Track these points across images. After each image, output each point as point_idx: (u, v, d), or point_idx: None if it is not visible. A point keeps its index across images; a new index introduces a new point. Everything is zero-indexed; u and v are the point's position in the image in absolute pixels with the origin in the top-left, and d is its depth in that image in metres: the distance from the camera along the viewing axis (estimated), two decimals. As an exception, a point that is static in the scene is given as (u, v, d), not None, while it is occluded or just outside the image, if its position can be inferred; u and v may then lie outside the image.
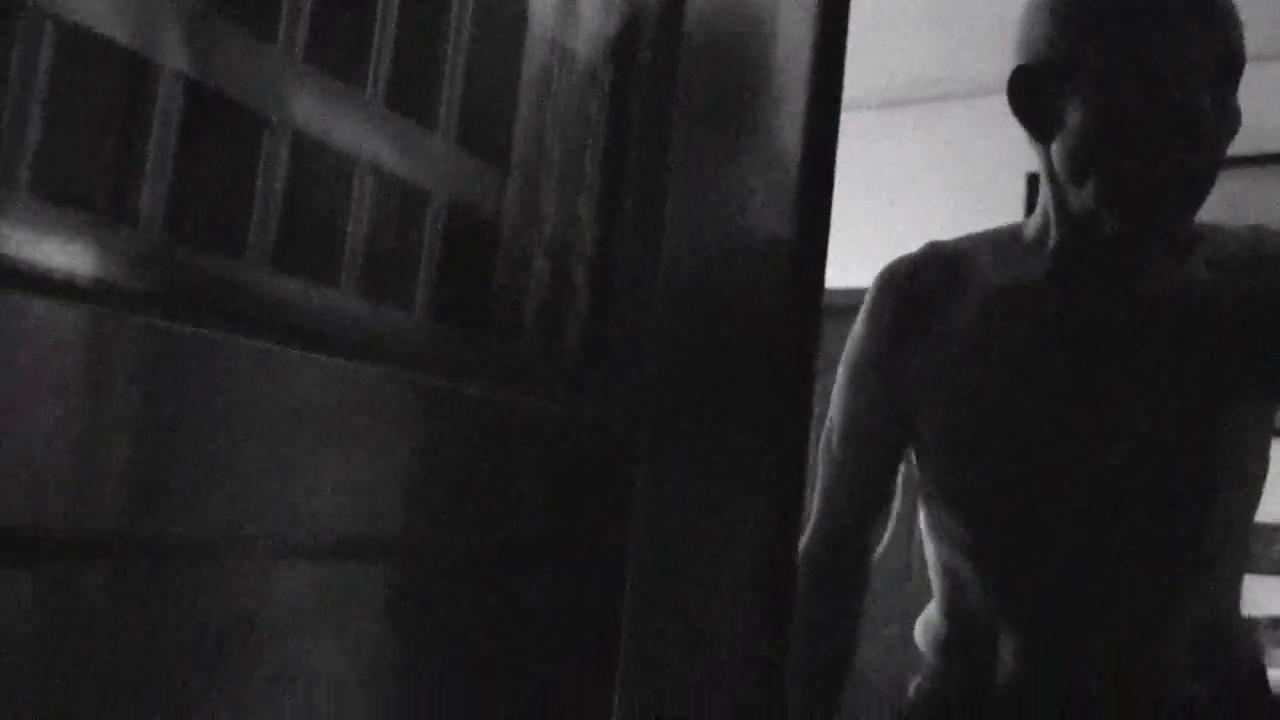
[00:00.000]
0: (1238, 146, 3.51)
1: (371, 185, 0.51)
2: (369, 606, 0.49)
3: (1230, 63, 0.95)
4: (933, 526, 1.17)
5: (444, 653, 0.52)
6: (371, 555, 0.49)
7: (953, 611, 1.15)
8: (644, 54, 0.70)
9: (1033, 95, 1.03)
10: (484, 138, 0.57)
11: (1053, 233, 1.07)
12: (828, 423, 1.22)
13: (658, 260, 0.68)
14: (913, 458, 1.19)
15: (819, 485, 1.22)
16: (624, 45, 0.69)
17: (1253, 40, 3.41)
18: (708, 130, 0.72)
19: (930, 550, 1.18)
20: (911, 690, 1.20)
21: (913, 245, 3.83)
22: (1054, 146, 1.03)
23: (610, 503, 0.65)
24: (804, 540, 1.23)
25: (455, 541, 0.53)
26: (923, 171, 3.89)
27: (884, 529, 1.22)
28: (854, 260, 3.93)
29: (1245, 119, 3.50)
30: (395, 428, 0.49)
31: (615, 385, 0.67)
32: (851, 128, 4.03)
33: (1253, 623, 1.01)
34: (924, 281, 1.13)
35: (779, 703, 0.88)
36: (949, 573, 1.15)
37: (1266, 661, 2.92)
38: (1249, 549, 1.11)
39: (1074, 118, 0.99)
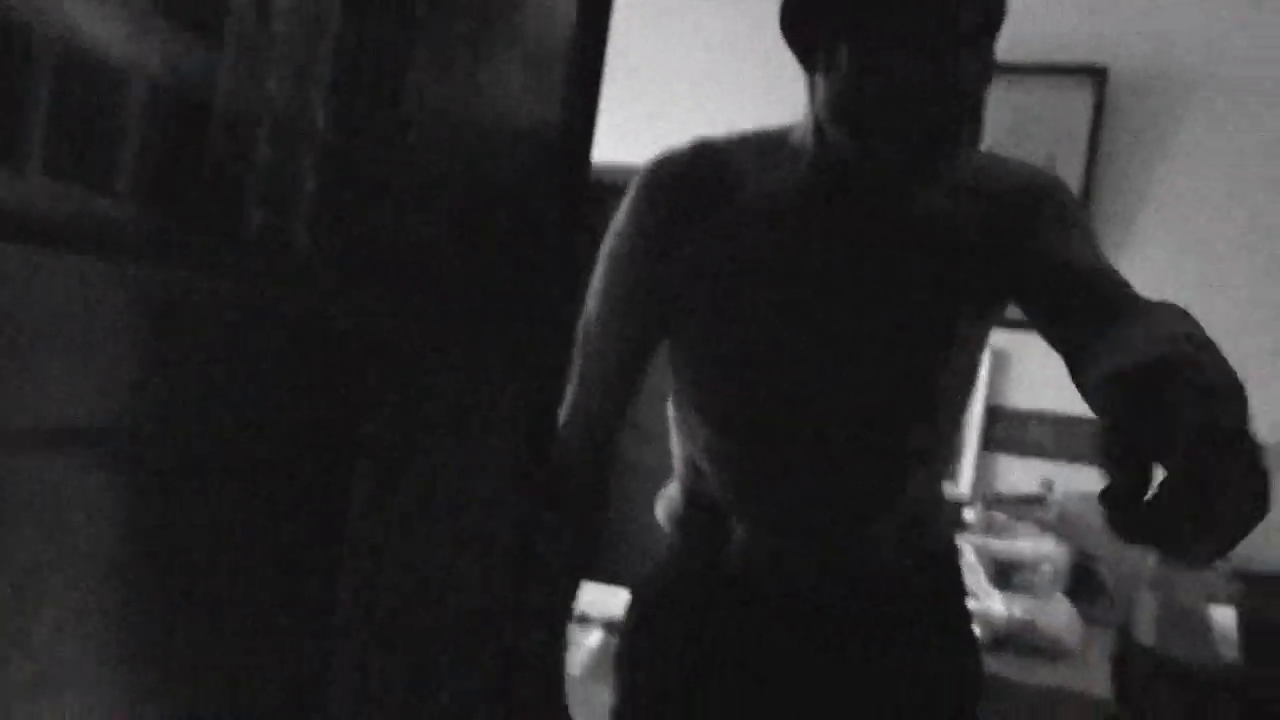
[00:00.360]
0: (1027, 56, 3.65)
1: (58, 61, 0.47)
2: (92, 499, 0.48)
3: (991, 16, 0.97)
4: (679, 420, 1.22)
5: (167, 550, 0.51)
6: (92, 447, 0.47)
7: (691, 497, 1.23)
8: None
9: (804, 25, 1.02)
10: (191, 8, 0.53)
11: (810, 152, 1.09)
12: (585, 308, 1.22)
13: (404, 150, 0.66)
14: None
15: (573, 369, 1.23)
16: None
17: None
18: (462, 28, 0.70)
19: (674, 437, 1.25)
20: (652, 563, 1.27)
21: (686, 128, 3.86)
22: (819, 79, 1.03)
23: (344, 402, 0.64)
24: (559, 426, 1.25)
25: (178, 437, 0.51)
26: (704, 54, 3.90)
27: (624, 416, 1.25)
28: (625, 136, 3.93)
29: (1037, 26, 3.64)
30: (114, 321, 0.47)
31: (355, 278, 0.65)
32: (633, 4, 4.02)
33: (945, 502, 1.18)
34: (690, 179, 1.13)
35: (528, 595, 0.91)
36: (689, 462, 1.22)
37: (958, 539, 3.21)
38: (957, 444, 1.23)
39: (840, 60, 0.99)
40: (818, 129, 1.08)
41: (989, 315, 1.16)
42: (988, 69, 0.98)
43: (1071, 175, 3.57)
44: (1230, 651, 2.87)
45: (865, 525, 1.16)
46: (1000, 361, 3.71)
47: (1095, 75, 3.60)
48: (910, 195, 1.10)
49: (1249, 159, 3.49)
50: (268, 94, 0.59)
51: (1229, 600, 3.04)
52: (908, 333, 1.11)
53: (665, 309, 1.16)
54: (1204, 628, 2.93)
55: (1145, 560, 3.20)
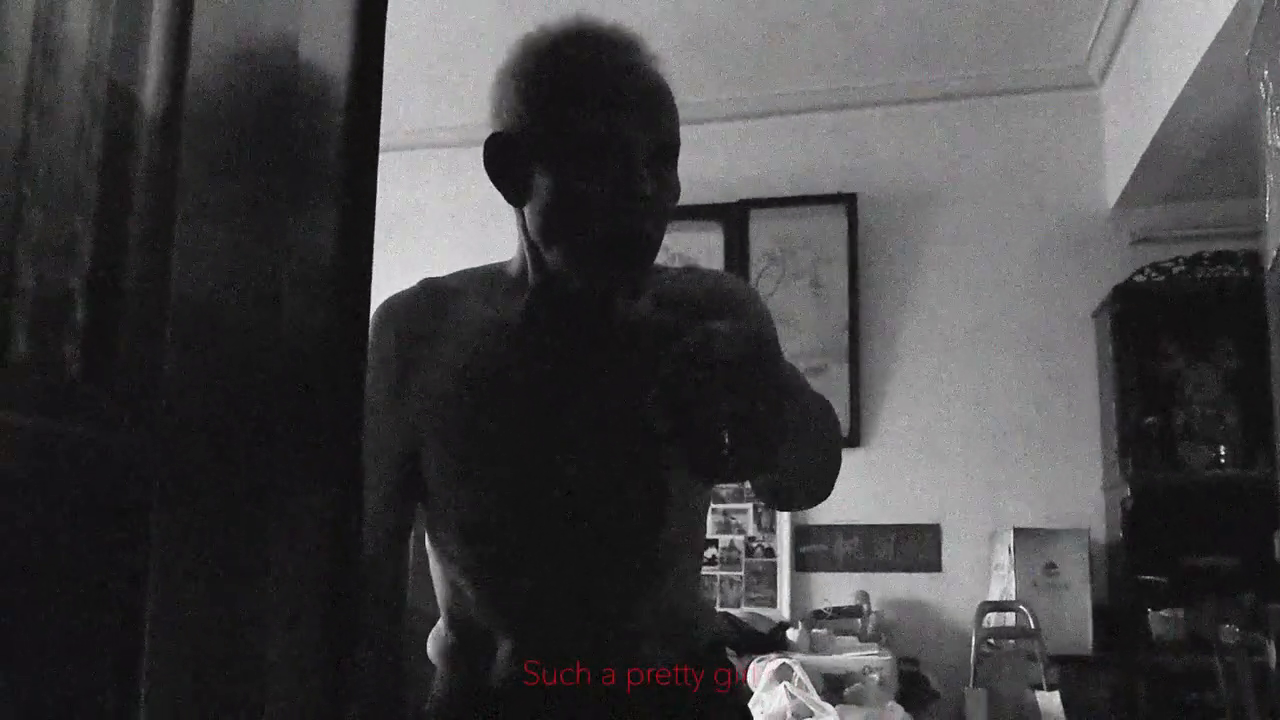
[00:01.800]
0: (788, 190, 3.83)
1: None
2: None
3: (666, 145, 1.10)
4: (435, 545, 1.25)
5: None
6: None
7: (454, 623, 1.25)
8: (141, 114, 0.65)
9: (505, 162, 1.13)
10: None
11: (530, 277, 1.18)
12: None
13: (166, 288, 0.63)
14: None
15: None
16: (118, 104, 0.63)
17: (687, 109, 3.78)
18: (231, 169, 0.69)
19: (434, 569, 1.26)
20: (428, 701, 1.27)
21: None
22: (526, 210, 1.14)
23: (117, 533, 0.59)
24: None
25: None
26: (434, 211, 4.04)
27: (406, 548, 1.28)
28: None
29: (794, 162, 3.84)
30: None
31: (122, 405, 0.61)
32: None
33: (710, 604, 1.32)
34: (418, 315, 1.21)
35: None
36: (451, 587, 1.24)
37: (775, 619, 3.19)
38: (703, 545, 1.33)
39: (540, 186, 1.10)
40: (534, 255, 1.17)
41: None
42: (670, 187, 1.11)
43: (836, 292, 3.73)
44: (1060, 735, 2.90)
45: (622, 625, 1.19)
46: (800, 479, 3.76)
47: (847, 201, 3.82)
48: (619, 305, 1.19)
49: (985, 259, 3.75)
50: (30, 220, 0.53)
51: (1050, 687, 3.10)
52: (630, 435, 1.16)
53: (416, 441, 1.20)
54: (1033, 715, 2.96)
55: (969, 657, 3.23)
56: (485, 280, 1.24)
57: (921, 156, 3.86)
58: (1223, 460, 3.27)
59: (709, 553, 3.73)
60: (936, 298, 3.75)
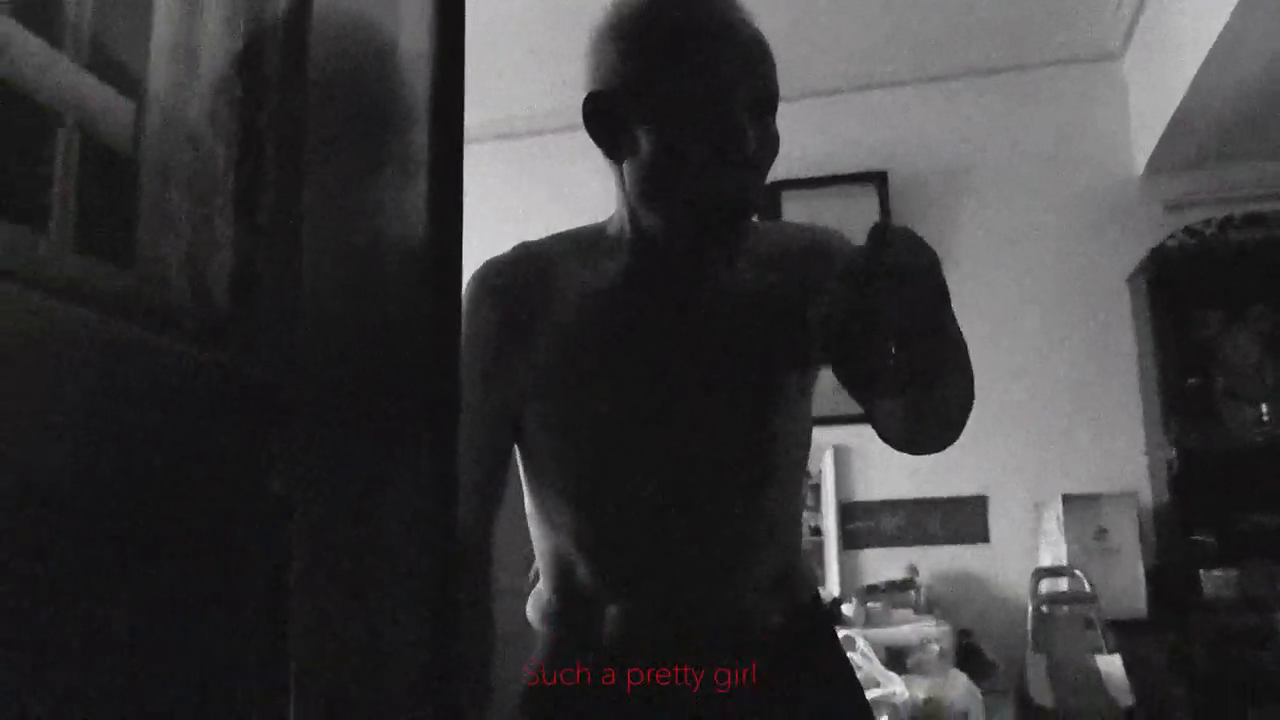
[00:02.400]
0: (819, 169, 3.85)
1: None
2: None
3: (767, 96, 1.09)
4: (538, 512, 1.26)
5: (69, 614, 0.44)
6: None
7: (561, 588, 1.25)
8: (272, 70, 0.69)
9: (604, 120, 1.11)
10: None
11: (627, 238, 1.18)
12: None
13: (300, 262, 0.67)
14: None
15: None
16: (251, 60, 0.67)
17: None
18: (343, 145, 0.74)
19: (536, 534, 1.27)
20: (528, 667, 1.26)
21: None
22: (625, 167, 1.13)
23: (258, 455, 0.63)
24: None
25: (85, 485, 0.46)
26: (546, 200, 3.99)
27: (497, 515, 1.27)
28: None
29: (824, 143, 3.87)
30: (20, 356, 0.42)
31: (264, 343, 0.65)
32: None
33: (810, 565, 1.37)
34: (517, 280, 1.20)
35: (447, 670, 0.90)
36: (555, 554, 1.25)
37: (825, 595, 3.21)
38: (803, 502, 1.41)
39: (642, 144, 1.09)
40: (632, 216, 1.16)
41: (809, 369, 1.25)
42: (771, 141, 1.10)
43: (876, 271, 3.75)
44: (1125, 698, 2.93)
45: (734, 586, 1.20)
46: (843, 457, 3.78)
47: (877, 179, 3.84)
48: (720, 267, 1.20)
49: (1017, 231, 3.78)
50: (186, 161, 0.57)
51: (1110, 650, 3.12)
52: (737, 399, 1.19)
53: (516, 409, 1.20)
54: (1095, 679, 2.99)
55: (1022, 626, 3.26)
56: (583, 242, 1.22)
57: (949, 133, 3.89)
58: (1265, 419, 3.30)
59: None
60: (972, 272, 3.77)
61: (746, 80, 1.06)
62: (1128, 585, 3.28)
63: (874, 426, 1.11)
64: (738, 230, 1.10)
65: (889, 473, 3.74)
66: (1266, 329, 3.44)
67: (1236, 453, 3.29)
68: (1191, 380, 3.40)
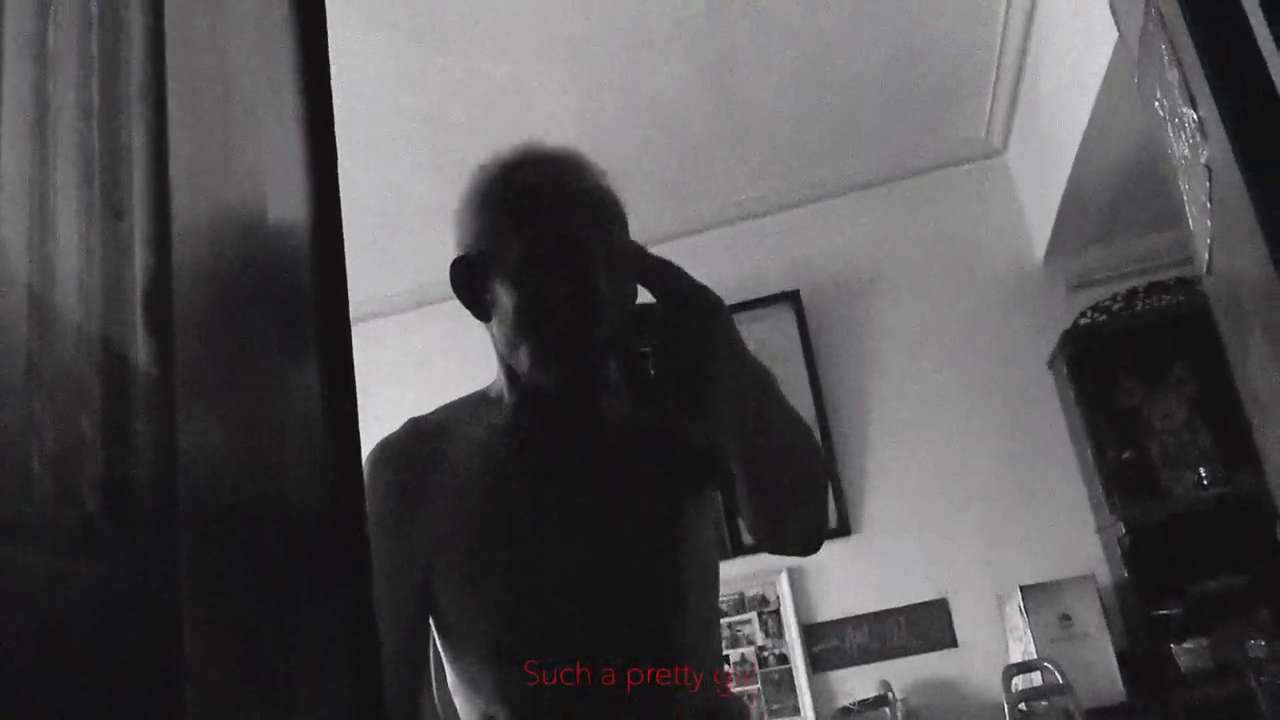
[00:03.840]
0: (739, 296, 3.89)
1: None
2: None
3: (614, 250, 1.15)
4: (459, 678, 1.23)
5: None
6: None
7: None
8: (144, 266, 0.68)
9: (470, 281, 1.18)
10: None
11: (506, 393, 1.24)
12: None
13: (175, 454, 0.64)
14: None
15: None
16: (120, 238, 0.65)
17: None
18: (215, 330, 0.72)
19: (461, 703, 1.24)
20: None
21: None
22: (493, 324, 1.19)
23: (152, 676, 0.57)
24: None
25: None
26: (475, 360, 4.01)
27: (425, 689, 1.26)
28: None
29: (738, 269, 3.92)
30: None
31: (145, 545, 0.61)
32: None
33: (740, 702, 1.37)
34: (408, 450, 1.24)
35: None
36: (481, 716, 1.21)
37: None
38: (719, 630, 1.34)
39: (503, 300, 1.16)
40: (506, 371, 1.22)
41: (705, 494, 1.26)
42: (626, 292, 1.15)
43: (799, 387, 3.77)
44: (1112, 789, 2.82)
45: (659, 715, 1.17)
46: (798, 578, 3.71)
47: (791, 298, 3.89)
48: (596, 403, 1.23)
49: (933, 332, 3.82)
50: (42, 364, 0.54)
51: (1090, 741, 3.02)
52: (641, 526, 1.20)
53: (428, 575, 1.20)
54: (1079, 773, 2.88)
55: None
56: (469, 406, 1.28)
57: (853, 245, 3.97)
58: (1205, 481, 3.29)
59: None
60: (895, 378, 3.80)
61: (595, 231, 1.13)
62: (1101, 670, 3.20)
63: (747, 528, 1.12)
64: (595, 372, 1.13)
65: (847, 589, 3.67)
66: (1190, 391, 3.48)
67: (1183, 518, 3.28)
68: (1126, 453, 3.40)
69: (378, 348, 4.10)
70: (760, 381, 0.96)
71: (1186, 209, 1.89)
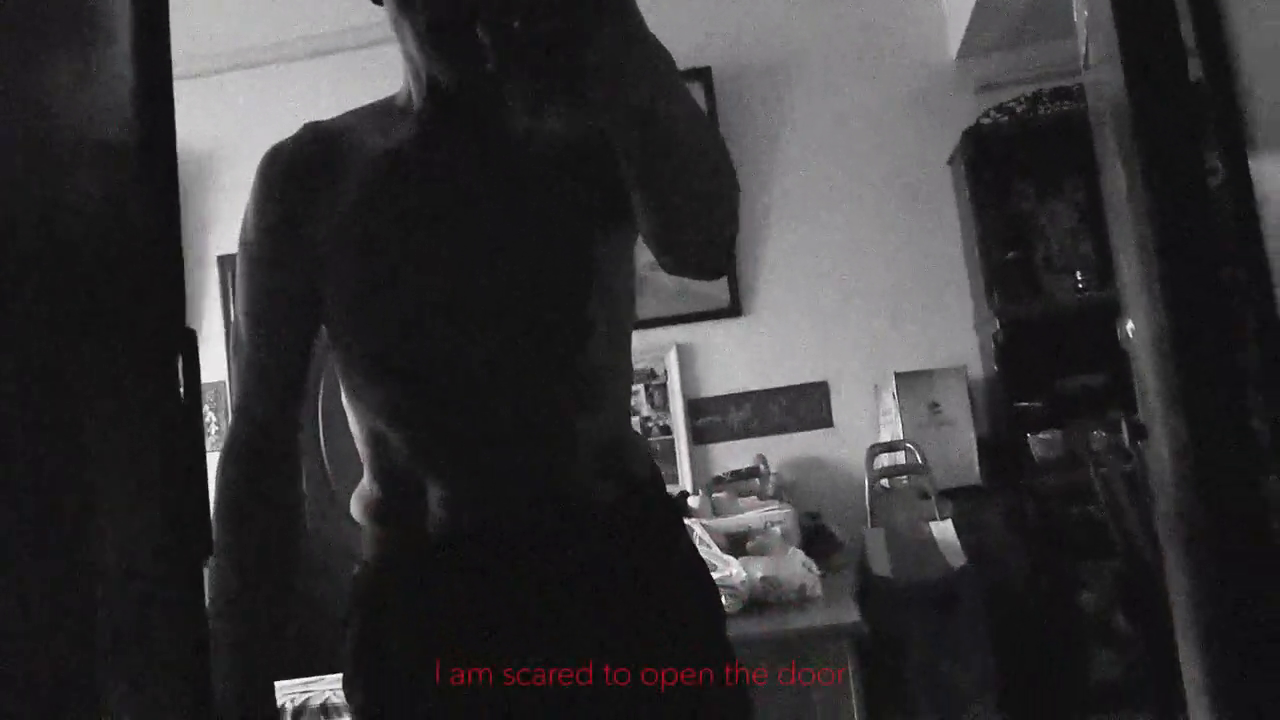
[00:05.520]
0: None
1: None
2: None
3: None
4: (351, 395, 1.18)
5: None
6: None
7: (381, 476, 1.17)
8: None
9: None
10: None
11: (414, 97, 1.14)
12: (234, 319, 1.20)
13: None
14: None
15: (235, 382, 1.20)
16: None
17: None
18: None
19: (353, 421, 1.19)
20: (356, 566, 1.20)
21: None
22: (398, 19, 1.06)
23: None
24: (226, 436, 1.20)
25: None
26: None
27: (303, 407, 1.21)
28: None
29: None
30: None
31: None
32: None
33: (642, 437, 1.26)
34: (306, 158, 1.15)
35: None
36: (374, 439, 1.17)
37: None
38: (630, 372, 1.27)
39: None
40: (411, 69, 1.12)
41: (623, 218, 1.13)
42: None
43: (705, 168, 3.75)
44: (956, 559, 3.06)
45: (557, 456, 1.13)
46: (687, 355, 3.82)
47: (702, 75, 3.83)
48: (520, 118, 1.14)
49: (840, 121, 3.82)
50: None
51: (943, 518, 3.25)
52: (549, 252, 1.12)
53: (313, 289, 1.14)
54: (929, 544, 3.11)
55: (863, 502, 3.37)
56: (373, 114, 1.18)
57: (769, 27, 3.88)
58: (1080, 286, 3.43)
59: (608, 440, 3.79)
60: (799, 163, 3.81)
61: None
62: (961, 455, 3.41)
63: (643, 239, 1.01)
64: (472, 54, 0.99)
65: (733, 368, 3.79)
66: (1080, 198, 3.56)
67: (1056, 319, 3.43)
68: (1012, 254, 3.51)
69: (273, 96, 3.96)
70: (659, 60, 0.83)
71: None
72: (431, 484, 1.13)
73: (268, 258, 1.16)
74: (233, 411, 1.20)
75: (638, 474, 1.20)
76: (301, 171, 1.14)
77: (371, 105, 1.20)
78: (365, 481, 1.20)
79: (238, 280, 1.20)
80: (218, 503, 1.15)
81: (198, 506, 1.01)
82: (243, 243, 1.18)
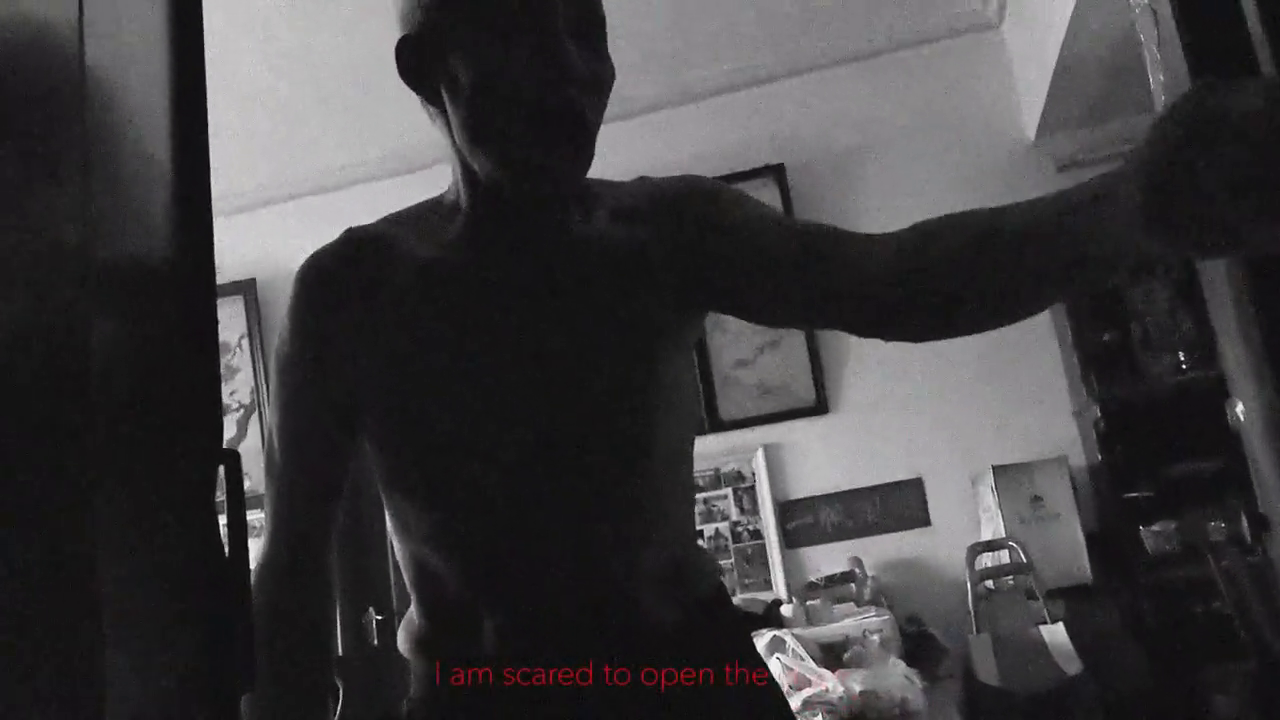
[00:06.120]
0: (721, 168, 3.81)
1: None
2: None
3: (590, 16, 1.00)
4: (397, 521, 1.12)
5: None
6: None
7: (431, 609, 1.10)
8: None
9: (420, 64, 1.02)
10: None
11: (463, 200, 1.07)
12: (268, 433, 1.14)
13: None
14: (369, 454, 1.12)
15: (268, 500, 1.13)
16: None
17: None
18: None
19: (398, 548, 1.13)
20: (404, 703, 1.13)
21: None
22: (450, 113, 1.02)
23: None
24: (260, 556, 1.12)
25: None
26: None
27: (335, 529, 1.15)
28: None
29: (722, 142, 3.81)
30: None
31: None
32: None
33: (709, 552, 1.17)
34: (347, 268, 1.09)
35: None
36: (420, 568, 1.10)
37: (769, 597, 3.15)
38: (693, 485, 1.20)
39: (460, 80, 0.99)
40: (465, 171, 1.06)
41: (686, 332, 1.13)
42: (604, 64, 1.01)
43: (782, 265, 3.71)
44: (1071, 666, 2.86)
45: (617, 579, 1.06)
46: (774, 455, 3.71)
47: (775, 171, 3.81)
48: (572, 220, 1.09)
49: (918, 208, 3.73)
50: None
51: (1053, 620, 3.06)
52: (610, 369, 1.06)
53: (352, 406, 1.08)
54: (1040, 650, 2.92)
55: (966, 606, 3.19)
56: (418, 218, 1.12)
57: (840, 119, 3.87)
58: (1184, 365, 3.26)
59: (696, 546, 3.69)
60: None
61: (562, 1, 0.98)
62: (1069, 551, 3.22)
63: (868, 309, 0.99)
64: (573, 155, 0.99)
65: (822, 467, 3.68)
66: (1175, 274, 3.41)
67: (1158, 402, 3.25)
68: (1108, 335, 3.36)
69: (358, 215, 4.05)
70: None
71: (1149, 69, 1.81)
72: (487, 613, 1.06)
73: (307, 371, 1.10)
74: (269, 529, 1.14)
75: (702, 594, 1.13)
76: (342, 280, 1.08)
77: (417, 207, 1.14)
78: (412, 612, 1.14)
79: (273, 394, 1.14)
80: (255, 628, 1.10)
81: (243, 636, 0.96)
82: (279, 354, 1.13)
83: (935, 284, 0.93)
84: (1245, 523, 2.93)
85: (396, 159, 4.07)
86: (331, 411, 1.10)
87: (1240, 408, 1.94)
